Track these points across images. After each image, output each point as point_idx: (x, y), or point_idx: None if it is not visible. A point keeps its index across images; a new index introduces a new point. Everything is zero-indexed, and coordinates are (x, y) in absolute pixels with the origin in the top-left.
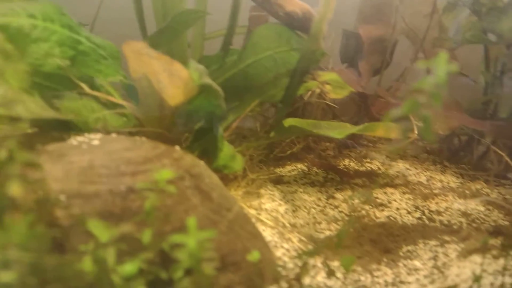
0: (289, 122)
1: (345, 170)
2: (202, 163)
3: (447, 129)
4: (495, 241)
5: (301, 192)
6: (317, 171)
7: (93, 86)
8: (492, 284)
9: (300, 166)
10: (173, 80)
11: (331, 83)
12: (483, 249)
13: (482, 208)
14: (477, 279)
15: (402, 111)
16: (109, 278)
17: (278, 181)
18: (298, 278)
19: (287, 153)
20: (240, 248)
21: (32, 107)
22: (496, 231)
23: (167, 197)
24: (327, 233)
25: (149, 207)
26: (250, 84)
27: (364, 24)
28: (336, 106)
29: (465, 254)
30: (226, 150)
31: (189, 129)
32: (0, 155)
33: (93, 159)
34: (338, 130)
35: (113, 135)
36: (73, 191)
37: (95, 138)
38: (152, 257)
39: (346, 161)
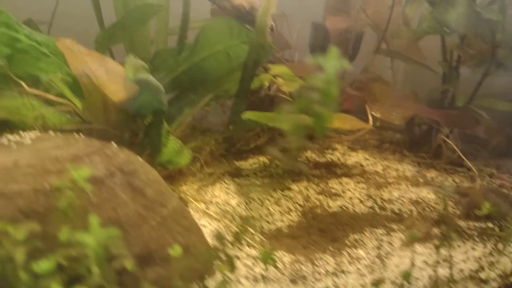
0: (246, 115)
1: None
2: (138, 159)
3: (403, 119)
4: (440, 230)
5: (257, 184)
6: (277, 163)
7: (38, 84)
8: (430, 276)
9: (263, 159)
10: (111, 77)
11: (283, 76)
12: (424, 239)
13: (433, 196)
14: (406, 275)
15: (295, 108)
16: (17, 276)
17: (236, 175)
18: (231, 270)
19: (251, 146)
20: (171, 243)
21: None
22: (441, 220)
23: (94, 195)
24: (279, 224)
25: (65, 205)
26: (205, 78)
27: (331, 16)
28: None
29: (407, 244)
30: (171, 145)
31: (138, 126)
32: None
33: (19, 158)
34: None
35: (50, 133)
36: None
37: (29, 137)
38: (73, 254)
39: (309, 153)
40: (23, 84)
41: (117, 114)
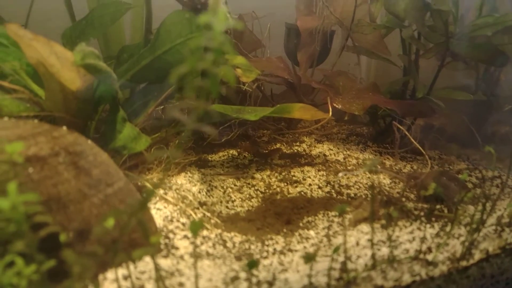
0: (213, 107)
1: (267, 151)
2: (88, 142)
3: (362, 109)
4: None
5: (222, 174)
6: (245, 155)
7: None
8: (372, 255)
9: (233, 152)
10: (63, 63)
11: (241, 67)
12: (371, 219)
13: (388, 181)
14: (336, 249)
15: (179, 72)
16: None
17: (203, 166)
18: (174, 246)
19: (222, 140)
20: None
21: None
22: (388, 202)
23: (36, 172)
24: (238, 209)
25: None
26: (167, 70)
27: (302, 16)
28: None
29: (353, 224)
30: (127, 132)
31: (97, 114)
32: None
33: None
34: (255, 113)
35: (5, 119)
36: None
37: None
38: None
39: (278, 145)
40: None
41: (75, 102)
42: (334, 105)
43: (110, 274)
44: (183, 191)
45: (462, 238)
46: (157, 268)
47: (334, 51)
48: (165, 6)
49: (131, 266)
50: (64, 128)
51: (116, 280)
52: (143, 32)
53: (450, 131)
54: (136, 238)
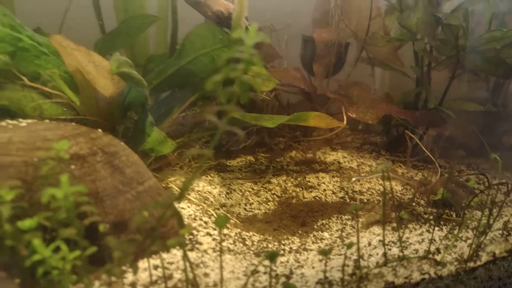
0: (233, 114)
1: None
2: (121, 144)
3: (375, 118)
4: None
5: (240, 178)
6: (262, 161)
7: (38, 79)
8: (383, 254)
9: (250, 158)
10: (100, 71)
11: (260, 76)
12: (382, 222)
13: (400, 188)
14: (349, 245)
15: (215, 80)
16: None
17: (222, 170)
18: (198, 242)
19: (240, 146)
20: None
21: None
22: (399, 206)
23: (77, 169)
24: (256, 211)
25: (48, 173)
26: (191, 79)
27: (317, 29)
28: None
29: (365, 226)
30: (155, 135)
31: (131, 120)
32: None
33: (14, 136)
34: (272, 121)
35: (46, 121)
36: None
37: (25, 122)
38: (53, 215)
39: (293, 153)
40: (24, 78)
41: (108, 107)
42: (349, 114)
43: (141, 264)
44: (205, 192)
45: (469, 241)
46: (186, 257)
47: (349, 62)
48: (189, 19)
49: (161, 257)
50: (100, 130)
51: (148, 268)
52: (168, 43)
53: (461, 140)
54: (164, 232)
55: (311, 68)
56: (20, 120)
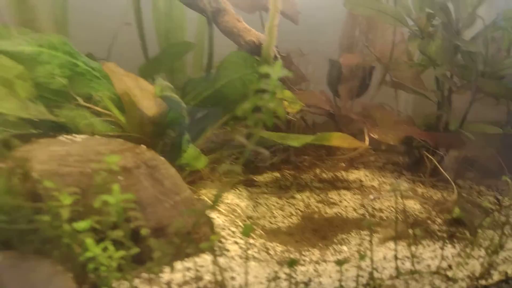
0: (260, 134)
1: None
2: (161, 158)
3: (397, 140)
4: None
5: (266, 192)
6: (288, 177)
7: (90, 100)
8: (397, 268)
9: (276, 174)
10: (145, 94)
11: (287, 99)
12: (398, 238)
13: (418, 207)
14: (361, 256)
15: (245, 107)
16: (61, 229)
17: (250, 185)
18: (226, 249)
19: (267, 163)
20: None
21: (35, 113)
22: (415, 223)
23: (124, 180)
24: (280, 224)
25: (100, 182)
26: (224, 101)
27: (344, 53)
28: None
29: (381, 241)
30: (190, 151)
31: (169, 137)
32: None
33: (71, 149)
34: (298, 140)
35: (96, 136)
36: (52, 170)
37: (80, 137)
38: (104, 219)
39: (317, 170)
40: (79, 99)
41: (150, 126)
42: (371, 135)
43: (176, 265)
44: (233, 205)
45: (481, 260)
46: (216, 261)
47: (373, 85)
48: (224, 45)
49: (193, 260)
50: (143, 146)
51: (182, 270)
52: (204, 67)
53: (481, 162)
54: (197, 238)
55: (337, 90)
56: (75, 135)
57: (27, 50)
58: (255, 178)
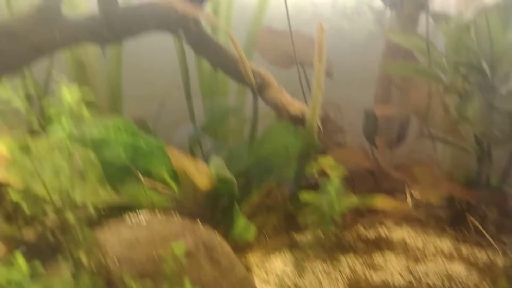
0: (302, 196)
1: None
2: (217, 236)
3: (439, 198)
4: None
5: (310, 255)
6: (330, 236)
7: (150, 176)
8: None
9: (317, 232)
10: (199, 172)
11: (329, 166)
12: None
13: (465, 272)
14: None
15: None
16: None
17: (293, 246)
18: None
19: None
20: None
21: (105, 197)
22: None
23: (186, 264)
24: None
25: (168, 271)
26: (269, 167)
27: (379, 104)
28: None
29: None
30: (240, 223)
31: (218, 208)
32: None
33: (139, 235)
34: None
35: (157, 213)
36: (124, 256)
37: (143, 217)
38: None
39: (359, 228)
40: (140, 176)
41: (203, 199)
42: (413, 194)
43: None
44: (279, 271)
45: None
46: None
47: (410, 136)
48: (266, 114)
49: None
50: (199, 223)
51: None
52: (249, 134)
53: None
54: None
55: (374, 141)
56: (138, 212)
57: (95, 134)
58: (297, 237)
